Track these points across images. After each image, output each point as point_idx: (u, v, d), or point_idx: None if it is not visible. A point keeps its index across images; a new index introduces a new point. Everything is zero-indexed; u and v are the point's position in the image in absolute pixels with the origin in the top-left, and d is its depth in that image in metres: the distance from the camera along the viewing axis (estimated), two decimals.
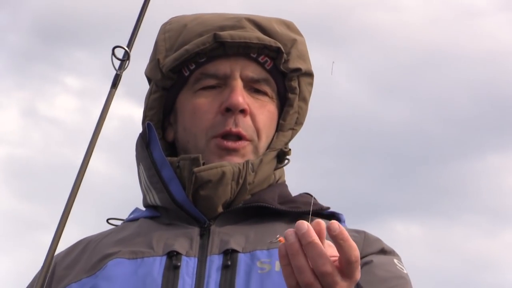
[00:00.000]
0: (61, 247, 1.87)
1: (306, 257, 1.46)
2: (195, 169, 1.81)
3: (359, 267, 1.50)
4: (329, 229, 1.46)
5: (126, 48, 1.69)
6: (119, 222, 1.99)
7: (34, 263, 1.82)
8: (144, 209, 1.96)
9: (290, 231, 1.48)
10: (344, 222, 1.91)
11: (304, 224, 1.47)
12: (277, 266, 1.72)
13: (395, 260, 1.84)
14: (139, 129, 1.97)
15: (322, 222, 1.49)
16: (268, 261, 1.74)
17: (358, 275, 1.49)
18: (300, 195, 1.94)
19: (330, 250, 1.49)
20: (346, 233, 1.47)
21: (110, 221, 1.99)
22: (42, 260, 1.60)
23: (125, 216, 2.00)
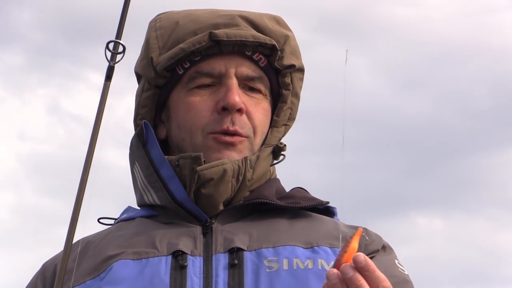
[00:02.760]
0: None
1: None
2: (198, 168, 1.80)
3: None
4: (354, 261, 1.46)
5: (120, 41, 1.67)
6: (111, 221, 1.97)
7: None
8: (138, 208, 1.95)
9: (332, 272, 1.48)
10: (337, 215, 1.93)
11: (349, 268, 1.47)
12: (285, 264, 1.73)
13: (396, 261, 1.85)
14: None
15: (369, 263, 1.48)
16: (276, 259, 1.74)
17: None
18: (295, 189, 1.95)
19: None
20: (373, 265, 1.47)
21: (101, 220, 1.98)
22: None
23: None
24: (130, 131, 1.96)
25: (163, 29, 1.92)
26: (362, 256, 1.47)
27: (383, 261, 1.79)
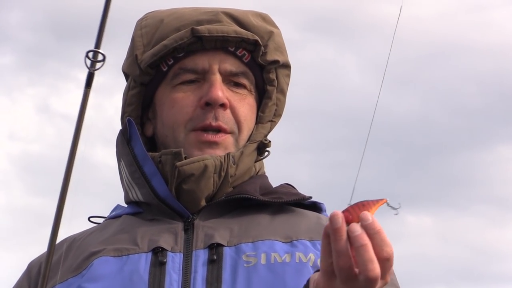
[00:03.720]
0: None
1: (348, 243, 1.42)
2: (178, 163, 1.80)
3: (392, 269, 1.47)
4: (361, 218, 1.44)
5: (100, 51, 1.63)
6: (101, 220, 1.97)
7: None
8: (126, 205, 1.95)
9: (337, 213, 1.44)
10: (325, 211, 1.92)
11: (357, 227, 1.42)
12: (263, 259, 1.72)
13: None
14: None
15: (375, 223, 1.45)
16: (254, 254, 1.73)
17: (389, 277, 1.47)
18: (281, 185, 1.95)
19: None
20: (379, 226, 1.44)
21: (92, 219, 1.98)
22: None
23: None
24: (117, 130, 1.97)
25: (148, 27, 1.94)
26: (369, 214, 1.43)
27: None
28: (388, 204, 1.48)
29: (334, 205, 1.74)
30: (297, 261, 1.71)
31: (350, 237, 1.42)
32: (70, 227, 1.75)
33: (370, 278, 1.41)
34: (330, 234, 1.43)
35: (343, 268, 1.42)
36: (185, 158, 1.82)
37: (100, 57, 1.63)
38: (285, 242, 1.76)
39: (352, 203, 1.47)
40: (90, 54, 1.64)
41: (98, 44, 1.63)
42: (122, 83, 1.99)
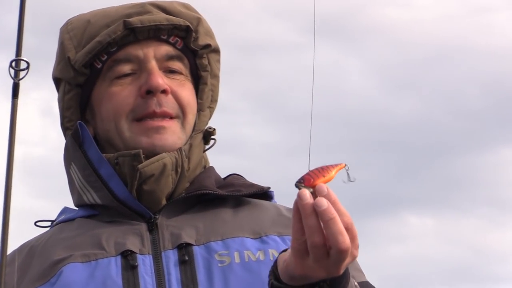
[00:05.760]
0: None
1: (318, 218, 1.43)
2: (140, 166, 1.79)
3: (357, 242, 1.47)
4: (317, 191, 1.44)
5: (23, 58, 1.61)
6: (48, 224, 1.95)
7: None
8: (76, 208, 1.92)
9: (304, 192, 1.45)
10: (273, 198, 1.93)
11: (323, 201, 1.43)
12: (237, 258, 1.72)
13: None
14: None
15: (331, 194, 1.45)
16: (226, 253, 1.74)
17: (356, 251, 1.47)
18: (233, 176, 1.96)
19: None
20: (335, 197, 1.45)
21: (38, 223, 1.95)
22: None
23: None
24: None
25: (75, 30, 1.92)
26: (324, 186, 1.44)
27: None
28: (346, 170, 1.49)
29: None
30: (271, 258, 1.71)
31: (317, 212, 1.42)
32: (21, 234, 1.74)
33: (341, 250, 1.42)
34: (300, 211, 1.44)
35: (317, 246, 1.43)
36: (144, 158, 1.80)
37: (23, 65, 1.62)
38: (255, 239, 1.77)
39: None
40: (13, 63, 1.60)
41: (19, 52, 1.61)
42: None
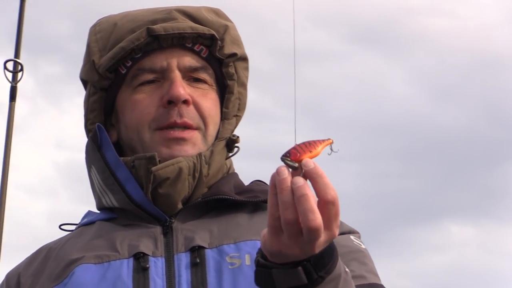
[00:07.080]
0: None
1: (294, 196, 1.40)
2: (153, 168, 1.79)
3: (338, 220, 1.44)
4: (303, 165, 1.42)
5: (18, 60, 1.62)
6: (73, 227, 1.96)
7: None
8: (98, 212, 1.94)
9: (283, 169, 1.42)
10: None
11: (300, 179, 1.41)
12: (247, 260, 1.71)
13: (352, 236, 1.83)
14: None
15: (317, 168, 1.43)
16: (237, 255, 1.72)
17: (336, 229, 1.44)
18: (254, 183, 1.94)
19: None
20: (321, 170, 1.42)
21: (63, 227, 1.97)
22: None
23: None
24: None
25: (102, 32, 1.93)
26: (311, 161, 1.42)
27: (336, 240, 1.67)
28: (331, 146, 1.47)
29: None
30: None
31: (292, 189, 1.40)
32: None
33: (311, 228, 1.39)
34: (276, 186, 1.42)
35: (289, 222, 1.41)
36: (160, 162, 1.81)
37: (18, 67, 1.59)
38: None
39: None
40: (10, 65, 1.60)
41: (17, 54, 1.60)
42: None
